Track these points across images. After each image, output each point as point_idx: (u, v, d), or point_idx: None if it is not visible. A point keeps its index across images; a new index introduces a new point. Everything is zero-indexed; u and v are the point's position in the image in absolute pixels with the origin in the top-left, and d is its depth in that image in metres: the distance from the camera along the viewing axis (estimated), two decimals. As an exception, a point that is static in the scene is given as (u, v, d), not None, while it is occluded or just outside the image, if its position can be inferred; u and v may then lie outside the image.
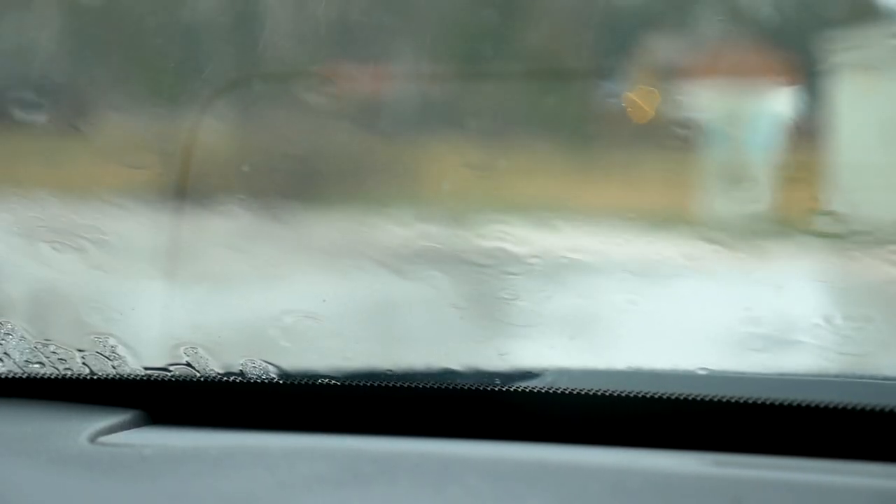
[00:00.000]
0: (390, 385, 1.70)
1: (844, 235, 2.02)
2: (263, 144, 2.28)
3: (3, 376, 1.79)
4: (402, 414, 1.68)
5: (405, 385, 1.70)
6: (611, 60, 2.37)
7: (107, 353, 1.81)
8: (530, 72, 2.38)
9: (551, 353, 1.92)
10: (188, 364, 1.79)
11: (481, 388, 1.69)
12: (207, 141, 2.11)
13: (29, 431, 1.61)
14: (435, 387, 1.70)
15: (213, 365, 1.78)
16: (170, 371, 1.78)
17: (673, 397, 1.62)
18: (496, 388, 1.68)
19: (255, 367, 1.77)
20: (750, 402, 1.60)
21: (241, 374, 1.76)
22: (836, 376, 1.80)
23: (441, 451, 1.59)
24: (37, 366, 1.81)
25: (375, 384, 1.71)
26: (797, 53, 2.26)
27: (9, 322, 1.84)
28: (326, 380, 1.72)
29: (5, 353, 1.82)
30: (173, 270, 1.99)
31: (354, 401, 1.70)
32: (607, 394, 1.64)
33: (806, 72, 2.25)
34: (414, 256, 2.05)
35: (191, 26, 2.47)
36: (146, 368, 1.79)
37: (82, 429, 1.62)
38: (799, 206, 2.29)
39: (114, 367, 1.80)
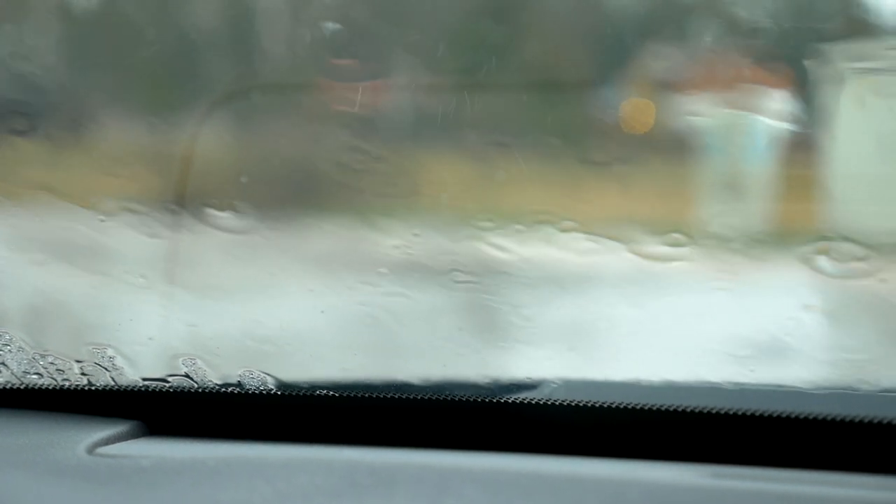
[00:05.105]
0: (388, 396, 1.70)
1: (841, 244, 2.02)
2: (261, 155, 2.28)
3: (0, 387, 1.79)
4: (400, 425, 1.68)
5: (403, 396, 1.70)
6: (608, 72, 2.37)
7: (105, 364, 1.81)
8: (528, 83, 2.38)
9: (549, 364, 1.92)
10: (186, 375, 1.79)
11: (479, 400, 1.69)
12: (205, 151, 2.11)
13: (27, 442, 1.61)
14: (432, 398, 1.70)
15: (212, 376, 1.79)
16: (168, 382, 1.78)
17: (671, 409, 1.62)
18: (494, 400, 1.69)
19: (253, 378, 1.77)
20: (748, 413, 1.60)
21: (240, 385, 1.76)
22: (834, 388, 1.80)
23: (439, 462, 1.59)
24: (35, 376, 1.81)
25: (373, 395, 1.71)
26: (794, 65, 2.27)
27: (7, 333, 1.84)
28: (324, 391, 1.72)
29: (3, 364, 1.82)
30: (172, 281, 1.99)
31: (352, 412, 1.70)
32: (605, 405, 1.64)
33: (803, 84, 2.25)
34: (411, 266, 2.05)
35: (189, 37, 2.47)
36: (144, 379, 1.79)
37: (80, 440, 1.62)
38: (796, 217, 2.30)
39: (112, 378, 1.80)
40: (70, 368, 1.81)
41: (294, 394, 1.74)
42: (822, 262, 2.02)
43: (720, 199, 2.45)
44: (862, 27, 2.40)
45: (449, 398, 1.70)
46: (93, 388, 1.78)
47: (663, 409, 1.62)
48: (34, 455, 1.57)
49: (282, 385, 1.76)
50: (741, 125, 2.40)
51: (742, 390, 1.76)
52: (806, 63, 2.24)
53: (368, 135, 2.27)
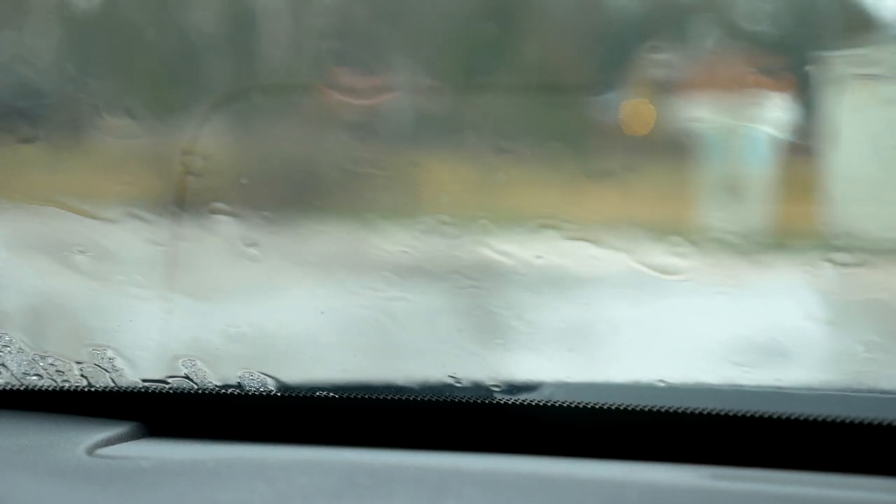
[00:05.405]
0: (388, 398, 1.70)
1: (841, 248, 2.02)
2: (262, 157, 2.28)
3: (0, 388, 1.79)
4: (400, 427, 1.68)
5: (403, 398, 1.70)
6: (609, 75, 2.37)
7: (105, 366, 1.81)
8: (528, 85, 2.38)
9: (549, 365, 1.92)
10: (186, 376, 1.79)
11: (479, 401, 1.69)
12: (206, 153, 2.11)
13: (27, 443, 1.61)
14: (432, 400, 1.70)
15: (212, 377, 1.79)
16: (168, 383, 1.78)
17: (670, 410, 1.62)
18: (494, 401, 1.69)
19: (253, 379, 1.77)
20: (747, 415, 1.60)
21: (240, 386, 1.76)
22: (834, 390, 1.81)
23: (439, 463, 1.59)
24: (35, 378, 1.81)
25: (373, 397, 1.71)
26: (794, 69, 2.27)
27: (7, 334, 1.84)
28: (324, 392, 1.72)
29: (3, 366, 1.82)
30: (172, 282, 1.99)
31: (352, 413, 1.70)
32: (605, 407, 1.64)
33: (803, 85, 2.25)
34: (411, 269, 2.05)
35: (189, 39, 2.48)
36: (144, 381, 1.79)
37: (80, 441, 1.61)
38: (795, 218, 2.30)
39: (112, 380, 1.80)
40: (70, 370, 1.81)
41: (294, 395, 1.74)
42: (823, 264, 2.02)
43: (721, 203, 2.45)
44: (862, 32, 2.40)
45: (449, 399, 1.70)
46: (93, 389, 1.78)
47: (663, 410, 1.62)
48: (34, 456, 1.57)
49: (282, 386, 1.76)
50: (742, 129, 2.40)
51: (741, 392, 1.76)
52: (806, 67, 2.24)
53: (369, 137, 2.27)
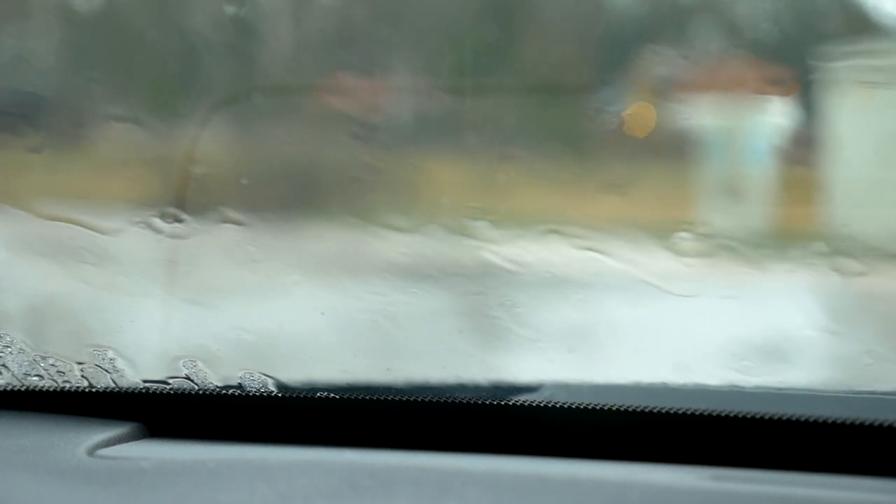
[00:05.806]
0: (389, 398, 1.70)
1: (840, 250, 2.02)
2: (262, 157, 2.28)
3: (1, 389, 1.79)
4: (401, 427, 1.69)
5: (403, 399, 1.70)
6: (609, 75, 2.38)
7: (106, 366, 1.81)
8: (529, 86, 2.38)
9: (550, 366, 1.92)
10: (187, 377, 1.79)
11: (480, 402, 1.69)
12: (207, 154, 2.11)
13: (27, 444, 1.61)
14: (433, 400, 1.70)
15: (212, 378, 1.79)
16: (168, 384, 1.78)
17: (671, 412, 1.62)
18: (495, 402, 1.69)
19: (253, 380, 1.77)
20: (748, 416, 1.60)
21: (240, 387, 1.76)
22: (833, 391, 1.81)
23: (440, 464, 1.59)
24: (35, 378, 1.81)
25: (374, 398, 1.71)
26: (794, 68, 2.27)
27: (8, 335, 1.85)
28: (325, 393, 1.72)
29: (4, 366, 1.82)
30: (172, 283, 1.99)
31: (353, 414, 1.70)
32: (605, 408, 1.64)
33: (803, 86, 2.26)
34: (412, 270, 2.05)
35: (191, 40, 2.48)
36: (145, 381, 1.79)
37: (81, 441, 1.62)
38: (796, 219, 2.30)
39: (112, 380, 1.80)
40: (71, 370, 1.81)
41: (295, 396, 1.74)
42: (824, 266, 2.02)
43: (722, 205, 2.45)
44: (864, 37, 2.40)
45: (450, 400, 1.70)
46: (93, 389, 1.78)
47: (663, 411, 1.62)
48: (35, 456, 1.57)
49: (282, 387, 1.76)
50: (744, 132, 2.40)
51: (742, 393, 1.76)
52: (809, 71, 2.24)
53: (370, 140, 2.27)
